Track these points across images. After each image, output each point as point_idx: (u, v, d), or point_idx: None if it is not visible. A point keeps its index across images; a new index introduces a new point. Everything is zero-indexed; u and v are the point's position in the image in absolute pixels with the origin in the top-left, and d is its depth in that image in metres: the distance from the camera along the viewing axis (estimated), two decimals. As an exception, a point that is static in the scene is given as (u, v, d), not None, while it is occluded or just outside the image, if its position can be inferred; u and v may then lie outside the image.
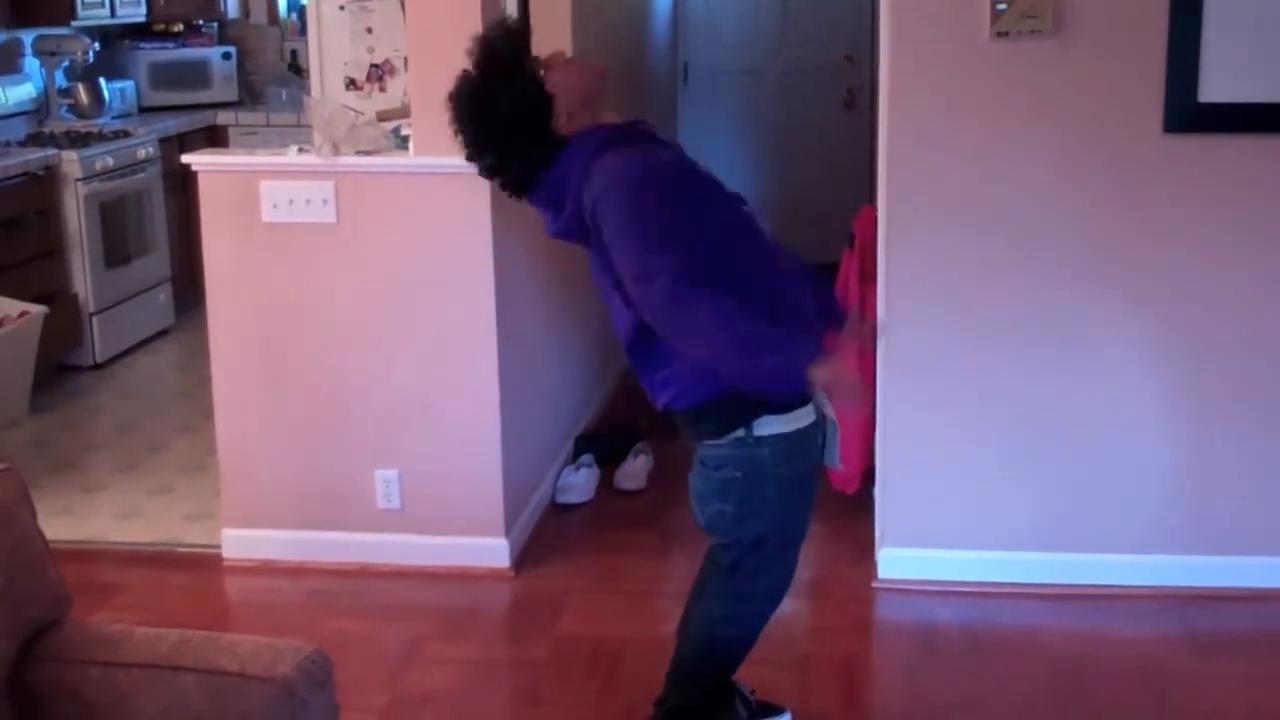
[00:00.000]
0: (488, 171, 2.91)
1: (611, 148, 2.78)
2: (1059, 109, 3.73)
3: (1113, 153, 3.74)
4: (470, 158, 2.90)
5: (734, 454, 2.84)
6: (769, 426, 2.82)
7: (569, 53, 4.91)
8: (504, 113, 2.79)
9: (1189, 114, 3.67)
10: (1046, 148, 3.76)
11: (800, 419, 2.85)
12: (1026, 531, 3.97)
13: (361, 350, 4.09)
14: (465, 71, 2.84)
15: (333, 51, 4.83)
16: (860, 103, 7.79)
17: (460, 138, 2.87)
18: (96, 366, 6.26)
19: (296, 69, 7.65)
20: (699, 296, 2.65)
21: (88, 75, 7.06)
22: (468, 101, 2.82)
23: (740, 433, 2.82)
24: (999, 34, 3.66)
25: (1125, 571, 3.94)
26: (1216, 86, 3.64)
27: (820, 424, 2.92)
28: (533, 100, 2.78)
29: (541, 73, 2.81)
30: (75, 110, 6.96)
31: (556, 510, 4.64)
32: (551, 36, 4.91)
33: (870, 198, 4.59)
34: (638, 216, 2.71)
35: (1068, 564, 3.96)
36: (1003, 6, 3.63)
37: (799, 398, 2.85)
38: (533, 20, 4.75)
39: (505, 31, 2.88)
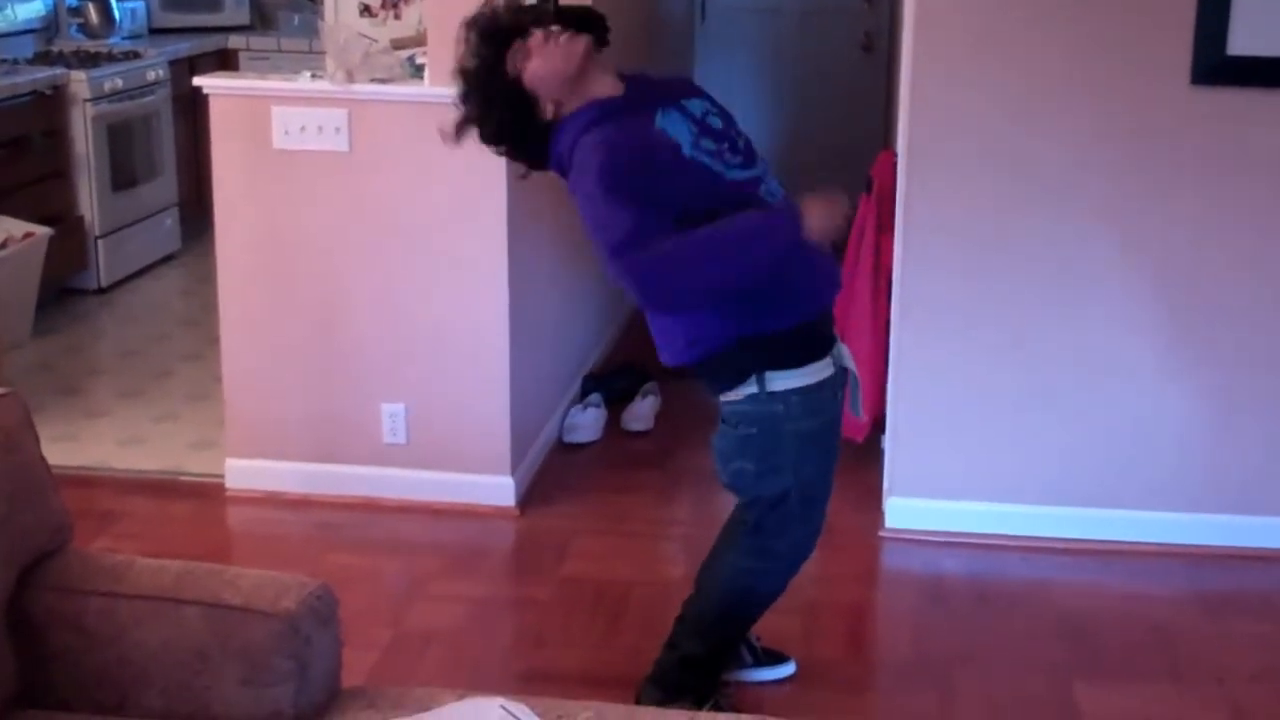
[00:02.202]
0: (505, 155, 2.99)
1: (596, 126, 2.74)
2: (1087, 57, 3.66)
3: (1139, 103, 3.68)
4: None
5: (750, 410, 2.82)
6: (783, 381, 2.79)
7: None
8: (499, 122, 2.83)
9: (1217, 66, 3.60)
10: (1073, 97, 3.69)
11: (816, 373, 2.82)
12: (1037, 485, 3.94)
13: (371, 282, 4.05)
14: (461, 75, 2.86)
15: (348, -23, 4.76)
16: (878, 46, 7.69)
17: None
18: (101, 290, 6.21)
19: (309, -7, 7.56)
20: (652, 254, 2.61)
21: (98, -6, 6.97)
22: (470, 110, 2.85)
23: (754, 389, 2.79)
24: (1030, -23, 3.59)
25: (1136, 528, 3.91)
26: (1245, 39, 3.58)
27: (840, 378, 2.88)
28: (516, 103, 2.79)
29: (519, 66, 2.78)
30: (85, 29, 6.87)
31: (563, 449, 4.61)
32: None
33: (887, 142, 4.53)
34: (592, 209, 2.70)
35: (1078, 518, 3.93)
36: (1035, -51, 3.56)
37: (815, 350, 2.81)
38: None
39: (476, 49, 2.82)
